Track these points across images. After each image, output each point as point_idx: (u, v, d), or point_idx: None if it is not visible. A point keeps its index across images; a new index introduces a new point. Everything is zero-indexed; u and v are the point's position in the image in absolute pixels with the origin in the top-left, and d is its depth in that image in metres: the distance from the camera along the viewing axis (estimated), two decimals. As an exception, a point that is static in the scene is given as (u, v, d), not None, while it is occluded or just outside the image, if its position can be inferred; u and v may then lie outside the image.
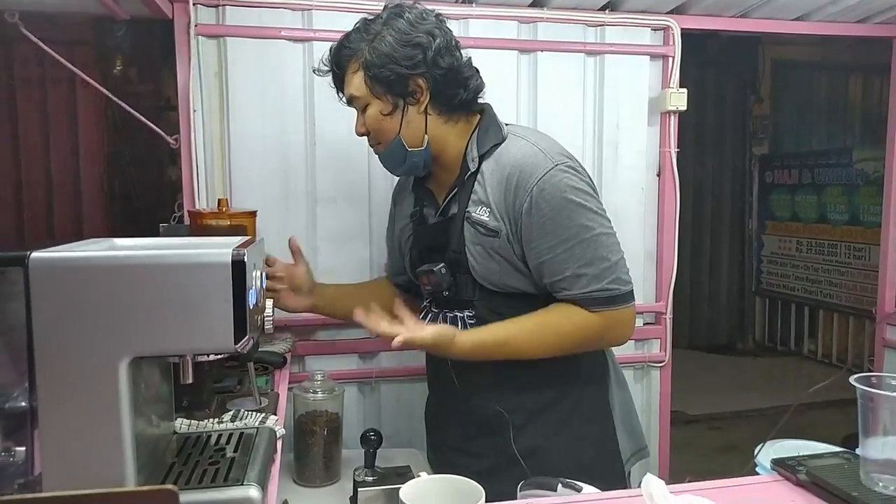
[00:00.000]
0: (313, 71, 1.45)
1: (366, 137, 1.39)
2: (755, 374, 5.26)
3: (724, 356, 5.77)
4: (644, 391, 2.22)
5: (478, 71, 1.38)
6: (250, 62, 1.85)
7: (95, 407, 0.83)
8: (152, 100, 4.20)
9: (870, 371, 2.46)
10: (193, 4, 1.79)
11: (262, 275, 1.00)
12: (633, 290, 1.29)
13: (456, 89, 1.32)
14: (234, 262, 0.85)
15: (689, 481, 1.04)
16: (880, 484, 0.94)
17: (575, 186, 1.26)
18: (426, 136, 1.32)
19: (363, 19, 1.33)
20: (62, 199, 4.11)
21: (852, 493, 0.93)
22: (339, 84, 1.37)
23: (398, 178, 1.62)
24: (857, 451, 0.99)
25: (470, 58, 1.37)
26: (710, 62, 5.53)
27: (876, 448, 0.95)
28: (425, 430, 1.57)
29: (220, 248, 0.86)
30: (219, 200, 1.44)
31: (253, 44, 1.85)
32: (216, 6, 1.83)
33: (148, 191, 4.26)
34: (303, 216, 1.92)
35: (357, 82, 1.30)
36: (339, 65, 1.34)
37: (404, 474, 1.44)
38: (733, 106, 5.85)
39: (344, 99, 1.38)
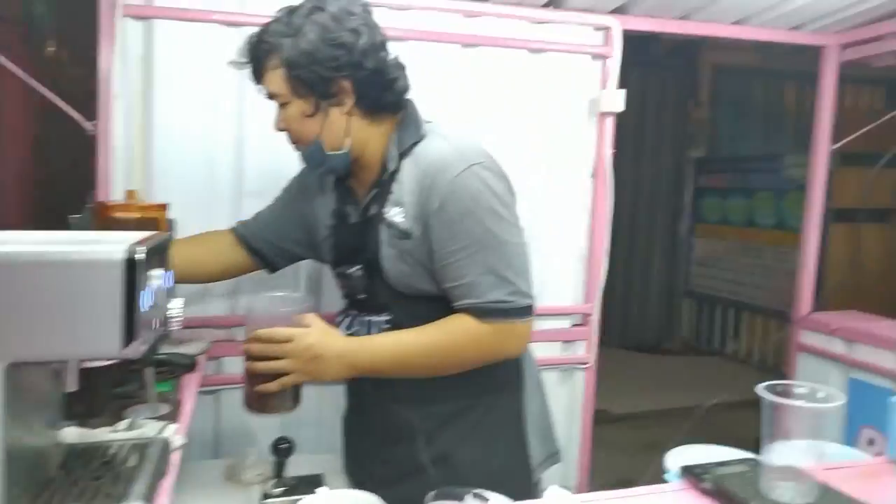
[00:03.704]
0: (229, 64, 1.36)
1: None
2: (679, 374, 5.38)
3: (651, 355, 5.89)
4: (568, 393, 2.23)
5: (404, 69, 1.33)
6: (180, 46, 1.77)
7: (-36, 416, 0.76)
8: (86, 84, 3.99)
9: (784, 375, 2.56)
10: (122, -17, 1.70)
11: (164, 274, 0.94)
12: (532, 305, 1.23)
13: (381, 91, 1.27)
14: (126, 261, 0.80)
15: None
16: (777, 491, 0.96)
17: (489, 189, 1.21)
18: (347, 139, 1.28)
19: (286, 9, 1.26)
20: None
21: (751, 501, 0.95)
22: (258, 78, 1.30)
23: None
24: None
25: (397, 56, 1.31)
26: (652, 64, 5.63)
27: (777, 455, 0.97)
28: (342, 439, 1.52)
29: (113, 245, 0.81)
30: (128, 192, 1.37)
31: (183, 27, 1.77)
32: (145, -14, 1.74)
33: (74, 178, 4.05)
34: (227, 210, 1.84)
35: (277, 79, 1.24)
36: (257, 59, 1.27)
37: (315, 483, 1.40)
38: (674, 109, 5.97)
39: (264, 92, 1.32)
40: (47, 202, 4.02)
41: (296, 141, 1.31)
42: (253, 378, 1.20)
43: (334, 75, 1.21)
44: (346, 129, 1.27)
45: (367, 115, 1.28)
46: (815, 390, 0.96)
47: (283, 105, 1.27)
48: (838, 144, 2.50)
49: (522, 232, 1.27)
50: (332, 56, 1.20)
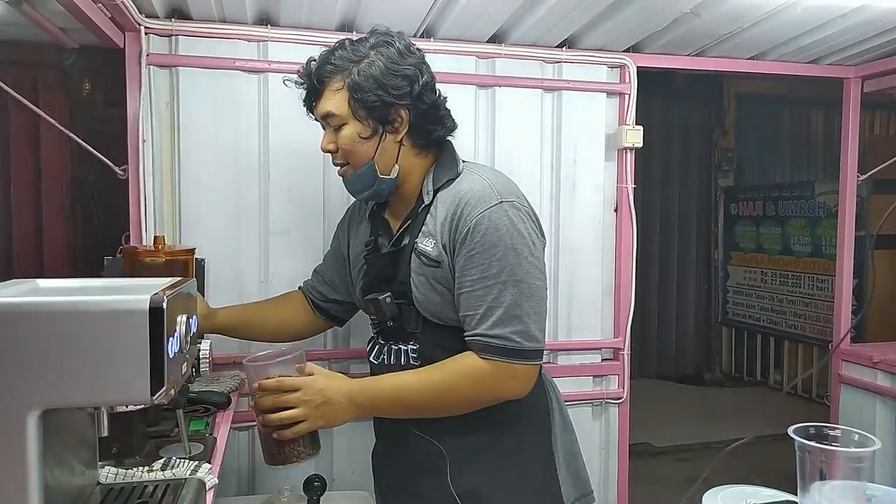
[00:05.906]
0: (283, 82, 1.42)
1: (330, 158, 1.38)
2: (722, 405, 5.26)
3: (692, 386, 5.76)
4: (603, 428, 2.19)
5: (450, 111, 1.39)
6: (204, 93, 1.83)
7: (2, 462, 0.78)
8: (120, 126, 4.14)
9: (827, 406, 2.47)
10: (145, 34, 1.78)
11: (188, 319, 0.96)
12: (539, 350, 1.25)
13: (434, 125, 1.33)
14: (151, 309, 0.81)
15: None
16: (817, 537, 0.92)
17: (515, 228, 1.24)
18: (396, 166, 1.33)
19: (348, 39, 1.32)
20: (22, 221, 4.01)
21: (789, 546, 0.92)
22: (314, 98, 1.35)
23: (352, 203, 1.61)
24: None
25: (446, 98, 1.37)
26: (675, 95, 5.62)
27: (812, 497, 0.94)
28: (372, 473, 1.53)
29: (138, 294, 0.83)
30: (155, 238, 1.41)
31: (206, 74, 1.83)
32: (169, 36, 1.81)
33: (112, 216, 4.18)
34: (255, 250, 1.89)
35: (338, 101, 1.29)
36: (319, 79, 1.31)
37: (348, 520, 1.40)
38: (699, 138, 5.94)
39: (312, 114, 1.37)
40: (87, 240, 4.15)
41: (346, 162, 1.35)
42: (267, 430, 1.23)
43: (396, 103, 1.27)
44: (396, 156, 1.32)
45: (415, 147, 1.34)
46: (849, 433, 0.94)
47: (337, 127, 1.32)
48: (866, 175, 2.46)
49: (544, 276, 1.28)
50: (396, 85, 1.27)
